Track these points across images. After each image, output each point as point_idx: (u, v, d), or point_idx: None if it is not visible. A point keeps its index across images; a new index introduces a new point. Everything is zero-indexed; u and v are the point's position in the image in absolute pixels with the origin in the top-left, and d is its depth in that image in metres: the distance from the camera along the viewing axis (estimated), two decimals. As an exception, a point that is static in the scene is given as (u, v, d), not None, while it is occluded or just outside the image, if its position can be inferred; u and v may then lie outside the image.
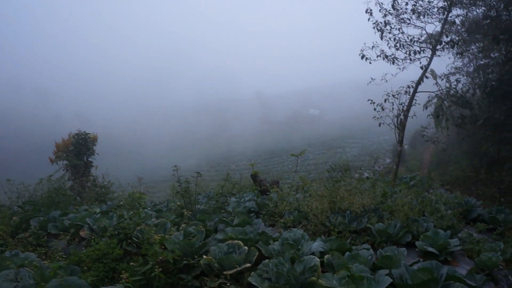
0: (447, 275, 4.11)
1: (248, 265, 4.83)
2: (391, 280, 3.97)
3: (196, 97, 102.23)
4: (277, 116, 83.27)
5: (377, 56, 13.80)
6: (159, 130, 77.46)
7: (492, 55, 15.67)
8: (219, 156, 55.18)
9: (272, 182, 9.53)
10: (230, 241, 5.29)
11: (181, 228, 6.28)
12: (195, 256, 5.19)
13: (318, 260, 4.53)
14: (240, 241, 5.26)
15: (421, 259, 5.01)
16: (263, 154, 49.36)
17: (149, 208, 8.26)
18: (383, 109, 12.85)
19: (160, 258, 4.73)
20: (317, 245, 5.19)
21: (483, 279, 4.29)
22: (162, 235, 5.67)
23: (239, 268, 4.72)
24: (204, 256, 4.98)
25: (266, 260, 4.64)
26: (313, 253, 5.04)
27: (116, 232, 6.16)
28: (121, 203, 8.81)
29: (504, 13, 12.32)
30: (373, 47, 13.66)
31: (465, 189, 13.75)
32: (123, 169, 35.81)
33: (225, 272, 4.68)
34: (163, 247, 5.34)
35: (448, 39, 13.42)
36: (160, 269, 4.54)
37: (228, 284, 4.49)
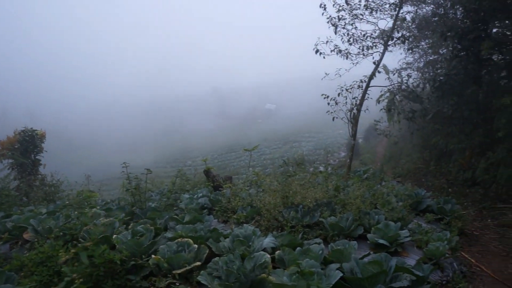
0: (396, 266, 4.15)
1: (198, 263, 4.71)
2: (342, 274, 3.96)
3: (152, 94, 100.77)
4: (233, 111, 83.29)
5: (331, 51, 13.93)
6: (115, 127, 75.90)
7: (440, 51, 16.11)
8: (175, 152, 54.62)
9: (225, 178, 9.44)
10: (179, 239, 5.15)
11: (129, 227, 6.07)
12: (144, 256, 5.01)
13: (269, 256, 4.46)
14: (190, 239, 5.12)
15: (371, 252, 5.04)
16: (219, 150, 49.19)
17: (98, 207, 7.95)
18: (336, 104, 12.96)
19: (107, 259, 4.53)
20: (268, 241, 5.13)
21: (430, 268, 4.36)
22: (108, 235, 5.46)
23: (188, 267, 4.59)
24: (153, 256, 4.81)
25: (216, 258, 4.53)
26: (264, 249, 4.99)
27: (61, 233, 5.88)
28: (68, 202, 8.45)
29: (450, 11, 12.69)
30: (327, 42, 13.76)
31: (416, 181, 14.10)
32: (75, 167, 34.85)
33: (174, 272, 4.54)
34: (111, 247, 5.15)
35: (399, 35, 13.70)
36: (102, 269, 4.32)
37: (177, 284, 4.36)
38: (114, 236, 5.43)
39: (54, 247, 5.07)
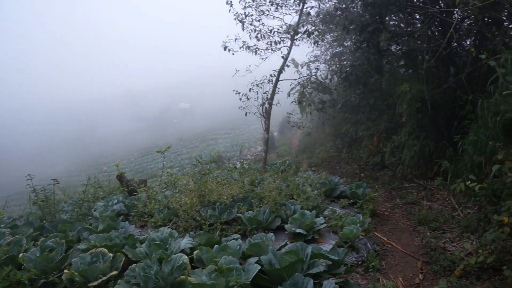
0: (312, 253, 4.27)
1: (115, 272, 4.51)
2: (260, 267, 3.99)
3: (61, 98, 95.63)
4: (148, 112, 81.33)
5: (240, 48, 14.05)
6: (21, 135, 71.04)
7: (344, 44, 16.76)
8: (89, 159, 52.26)
9: (139, 181, 9.18)
10: (93, 250, 4.88)
11: (38, 243, 5.69)
12: (56, 272, 4.71)
13: (187, 257, 4.38)
14: (104, 248, 4.88)
15: (288, 242, 5.13)
16: (135, 153, 47.81)
17: (2, 226, 7.36)
18: (248, 99, 13.13)
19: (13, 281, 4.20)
20: (185, 241, 5.06)
21: (344, 251, 4.52)
22: (15, 254, 5.08)
23: (104, 278, 4.37)
24: (65, 271, 4.53)
25: (133, 265, 4.37)
26: (182, 251, 4.90)
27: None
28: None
29: (351, 5, 13.23)
30: (235, 39, 13.87)
31: (330, 169, 14.63)
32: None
33: (89, 285, 4.31)
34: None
35: (304, 29, 14.10)
36: None
37: (93, 297, 4.16)
38: (21, 254, 5.04)
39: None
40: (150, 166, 34.81)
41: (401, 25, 11.81)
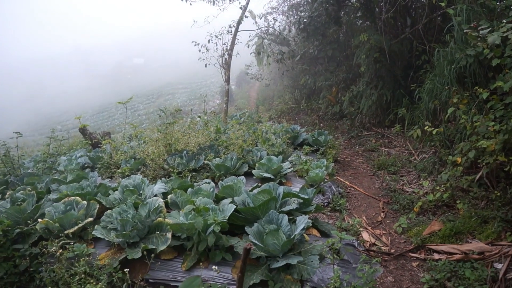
0: (283, 193, 4.47)
1: (90, 219, 4.55)
2: (235, 206, 4.15)
3: (5, 60, 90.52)
4: (100, 69, 78.48)
5: (197, -3, 13.80)
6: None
7: (302, -5, 16.67)
8: (42, 118, 50.34)
9: (103, 134, 9.08)
10: (66, 199, 4.89)
11: (6, 196, 5.62)
12: (29, 222, 4.71)
13: (162, 201, 4.49)
14: (77, 197, 4.90)
15: (259, 184, 5.31)
16: (90, 110, 46.48)
17: (-37, 184, 7.17)
18: (207, 50, 13.00)
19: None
20: (158, 187, 5.14)
21: (313, 191, 4.74)
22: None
23: (81, 224, 4.41)
24: (39, 220, 4.53)
25: (109, 211, 4.44)
26: (155, 196, 5.00)
27: None
28: None
29: (309, -46, 13.13)
30: (192, -12, 13.58)
31: (290, 120, 14.86)
32: None
33: (66, 232, 4.35)
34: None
35: (263, -22, 13.97)
36: None
37: (72, 243, 4.20)
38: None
39: None
40: (106, 123, 34.09)
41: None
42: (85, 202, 4.81)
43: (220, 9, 14.16)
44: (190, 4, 13.85)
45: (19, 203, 4.98)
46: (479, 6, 6.22)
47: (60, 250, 3.80)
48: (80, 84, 69.30)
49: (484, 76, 5.84)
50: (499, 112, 4.74)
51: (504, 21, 4.34)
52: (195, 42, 12.98)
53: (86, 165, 8.04)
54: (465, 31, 5.10)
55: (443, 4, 6.64)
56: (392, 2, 9.23)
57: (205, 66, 13.07)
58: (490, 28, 4.05)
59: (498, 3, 6.26)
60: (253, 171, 6.19)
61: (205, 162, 6.67)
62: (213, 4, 14.13)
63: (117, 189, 5.30)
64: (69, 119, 42.15)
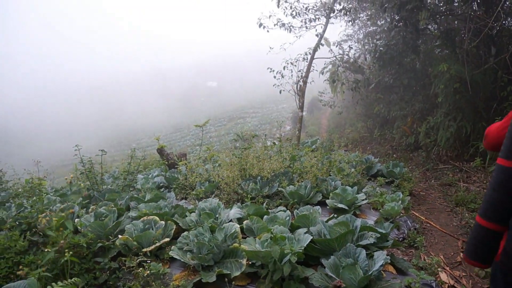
0: (361, 226, 4.38)
1: (167, 239, 4.70)
2: (311, 237, 4.12)
3: (87, 76, 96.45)
4: (175, 90, 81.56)
5: (274, 25, 14.08)
6: (51, 113, 72.22)
7: (378, 23, 16.56)
8: (118, 135, 53.02)
9: (179, 155, 9.38)
10: (145, 218, 5.09)
11: (90, 209, 5.94)
12: (110, 237, 4.94)
13: (238, 226, 4.55)
14: (155, 216, 5.09)
15: (335, 215, 5.24)
16: (163, 130, 48.27)
17: (51, 194, 7.68)
18: (282, 77, 13.18)
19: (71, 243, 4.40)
20: (234, 212, 5.22)
21: (390, 226, 4.62)
22: (70, 219, 5.31)
23: (158, 244, 4.57)
24: (120, 236, 4.74)
25: (185, 232, 4.56)
26: (231, 221, 5.07)
27: (17, 223, 5.62)
28: (20, 190, 8.10)
29: (388, -17, 13.04)
30: (270, 16, 13.89)
31: (362, 149, 14.63)
32: (15, 157, 33.17)
33: (144, 250, 4.51)
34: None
35: (341, 7, 14.01)
36: (70, 253, 4.18)
37: (149, 261, 4.35)
38: (77, 219, 5.29)
39: (10, 237, 4.82)
40: (179, 143, 35.23)
41: (440, 3, 11.61)
42: (162, 222, 4.97)
43: (296, 36, 14.36)
44: (267, 31, 14.15)
45: (102, 218, 5.25)
46: None
47: (140, 269, 3.94)
48: (155, 104, 72.34)
49: None
50: None
51: None
52: (270, 69, 13.19)
53: (161, 184, 8.32)
54: None
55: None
56: (476, 31, 8.93)
57: (280, 92, 13.22)
58: None
59: None
60: (327, 201, 6.12)
61: (279, 189, 6.69)
62: (290, 32, 14.36)
63: (193, 211, 5.44)
64: (143, 138, 44.04)
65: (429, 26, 11.78)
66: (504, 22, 9.72)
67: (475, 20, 9.23)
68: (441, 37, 10.74)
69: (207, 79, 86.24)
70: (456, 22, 10.66)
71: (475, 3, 9.68)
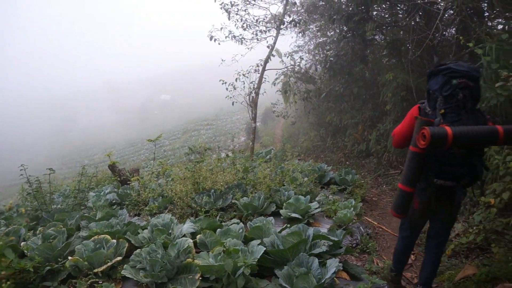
0: (313, 235, 4.43)
1: (119, 258, 4.58)
2: (265, 248, 4.13)
3: (34, 92, 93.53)
4: (128, 104, 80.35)
5: (226, 37, 14.15)
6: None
7: (328, 34, 16.92)
8: (71, 152, 51.62)
9: (132, 171, 9.22)
10: (96, 237, 4.93)
11: (38, 231, 5.70)
12: (59, 259, 4.74)
13: (191, 241, 4.49)
14: (107, 235, 4.95)
15: (288, 225, 5.27)
16: (117, 145, 47.36)
17: (-4, 216, 7.31)
18: (235, 88, 13.21)
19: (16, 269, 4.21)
20: (187, 226, 5.15)
21: (343, 233, 4.69)
22: (15, 243, 5.08)
23: (110, 263, 4.43)
24: (69, 257, 4.57)
25: (138, 250, 4.46)
26: (184, 236, 5.01)
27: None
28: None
29: (336, -5, 13.40)
30: (221, 28, 13.95)
31: (315, 158, 14.84)
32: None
33: (95, 270, 4.37)
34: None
35: (290, 19, 14.25)
36: (8, 282, 3.97)
37: (101, 282, 4.22)
38: (23, 243, 5.07)
39: None
40: (132, 158, 34.59)
41: (386, 15, 12.02)
42: (114, 240, 4.84)
43: (248, 48, 14.46)
44: (219, 44, 14.19)
45: (50, 240, 5.04)
46: (509, 45, 6.21)
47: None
48: (109, 119, 70.99)
49: (516, 115, 5.79)
50: (534, 153, 4.67)
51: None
52: (223, 81, 13.22)
53: (114, 201, 8.12)
54: (496, 86, 5.05)
55: (471, 44, 6.66)
56: (419, 42, 9.28)
57: (232, 104, 13.24)
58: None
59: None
60: (281, 211, 6.15)
61: (233, 201, 6.68)
62: (241, 44, 14.46)
63: (146, 228, 5.33)
64: (96, 153, 43.05)
65: (376, 37, 12.14)
66: (444, 33, 10.16)
67: (417, 31, 9.59)
68: (388, 47, 11.08)
69: (161, 92, 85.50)
70: (401, 32, 11.02)
71: (418, 15, 10.05)
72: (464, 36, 8.06)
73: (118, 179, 9.18)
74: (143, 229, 5.35)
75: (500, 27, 8.53)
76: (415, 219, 3.80)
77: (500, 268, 4.47)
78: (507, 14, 7.78)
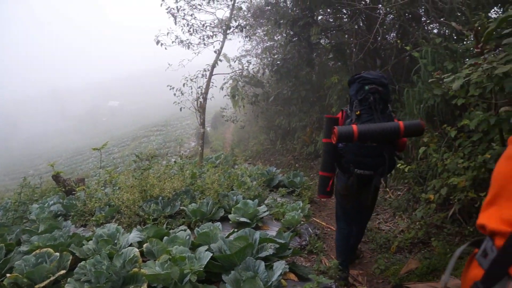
0: (260, 238, 4.45)
1: (63, 272, 4.41)
2: (211, 254, 4.11)
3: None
4: (75, 111, 78.08)
5: (172, 42, 14.03)
6: None
7: (275, 38, 17.11)
8: (14, 162, 49.44)
9: (77, 180, 8.94)
10: (38, 251, 4.73)
11: (-27, 250, 5.41)
12: (-3, 278, 4.53)
13: (137, 250, 4.41)
14: (49, 248, 4.75)
15: (235, 230, 5.28)
16: (64, 154, 45.81)
17: None
18: (182, 94, 13.11)
19: None
20: (133, 235, 5.05)
21: (290, 235, 4.75)
22: None
23: (52, 278, 4.26)
24: (8, 275, 4.36)
25: (83, 262, 4.32)
26: (131, 245, 4.90)
27: None
28: None
29: (281, 0, 13.57)
30: (168, 33, 13.83)
31: (265, 161, 14.95)
32: None
33: (36, 286, 4.20)
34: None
35: (237, 23, 14.32)
36: None
37: (42, 297, 4.07)
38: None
39: None
40: (81, 167, 33.53)
41: (330, 19, 12.29)
42: (57, 253, 4.65)
43: (195, 53, 14.40)
44: (165, 48, 14.05)
45: (-14, 258, 4.81)
46: (442, 49, 6.51)
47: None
48: (55, 127, 68.75)
49: (451, 114, 6.07)
50: (467, 149, 4.91)
51: (467, 63, 4.53)
52: (170, 86, 13.09)
53: (59, 213, 7.83)
54: (429, 81, 5.37)
55: (408, 48, 6.92)
56: (362, 44, 9.55)
57: (180, 110, 13.14)
58: (453, 77, 4.26)
59: (460, 45, 6.59)
60: (229, 216, 6.15)
61: (181, 208, 6.61)
62: (188, 48, 14.38)
63: (91, 239, 5.17)
64: (42, 163, 41.40)
65: (322, 41, 12.38)
66: (386, 36, 10.51)
67: (360, 35, 9.88)
68: (333, 50, 11.34)
69: (109, 98, 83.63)
70: (346, 36, 11.30)
71: (360, 20, 10.35)
72: (403, 40, 8.40)
73: (63, 189, 8.89)
74: (88, 240, 5.19)
75: (435, 31, 8.95)
76: (344, 204, 4.73)
77: (440, 260, 4.69)
78: (441, 19, 8.15)
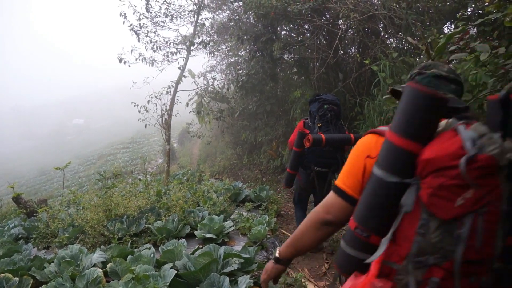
0: (224, 254, 4.46)
1: (22, 296, 4.34)
2: (176, 271, 4.09)
3: None
4: (39, 130, 76.17)
5: (136, 59, 13.96)
6: None
7: (239, 53, 17.22)
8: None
9: (39, 201, 8.74)
10: (-4, 277, 4.63)
11: None
12: (-51, 309, 4.36)
13: (101, 271, 4.34)
14: (8, 274, 4.63)
15: (201, 246, 5.27)
16: (27, 174, 44.57)
17: None
18: (147, 111, 13.01)
19: None
20: (97, 256, 4.98)
21: (254, 249, 4.78)
22: None
23: (11, 303, 4.19)
24: (-39, 305, 4.22)
25: (44, 286, 4.23)
26: (94, 265, 4.83)
27: None
28: None
29: (244, 16, 13.71)
30: (132, 50, 13.74)
31: (232, 176, 14.94)
32: None
33: (-8, 314, 4.10)
34: None
35: (200, 40, 14.36)
36: None
37: (0, 324, 3.95)
38: None
39: None
40: (45, 187, 32.68)
41: (292, 35, 12.48)
42: (17, 278, 4.53)
43: (159, 70, 14.37)
44: (129, 66, 13.96)
45: None
46: (400, 62, 6.73)
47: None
48: (19, 146, 66.85)
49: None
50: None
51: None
52: (134, 103, 12.98)
53: (20, 236, 7.63)
54: (384, 98, 5.86)
55: (367, 62, 7.12)
56: (323, 59, 9.75)
57: (145, 127, 13.03)
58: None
59: (417, 59, 6.83)
60: (195, 232, 6.13)
61: (146, 225, 6.55)
62: (152, 65, 14.34)
63: (53, 261, 5.06)
64: (2, 185, 40.14)
65: (285, 56, 12.55)
66: (348, 50, 10.77)
67: (321, 50, 10.08)
68: (296, 65, 11.51)
69: (74, 116, 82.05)
70: (309, 51, 11.48)
71: (321, 35, 10.56)
72: (364, 54, 8.63)
73: (25, 211, 8.67)
74: (49, 263, 5.08)
75: (394, 45, 9.23)
76: (302, 192, 6.02)
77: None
78: (399, 34, 8.42)
